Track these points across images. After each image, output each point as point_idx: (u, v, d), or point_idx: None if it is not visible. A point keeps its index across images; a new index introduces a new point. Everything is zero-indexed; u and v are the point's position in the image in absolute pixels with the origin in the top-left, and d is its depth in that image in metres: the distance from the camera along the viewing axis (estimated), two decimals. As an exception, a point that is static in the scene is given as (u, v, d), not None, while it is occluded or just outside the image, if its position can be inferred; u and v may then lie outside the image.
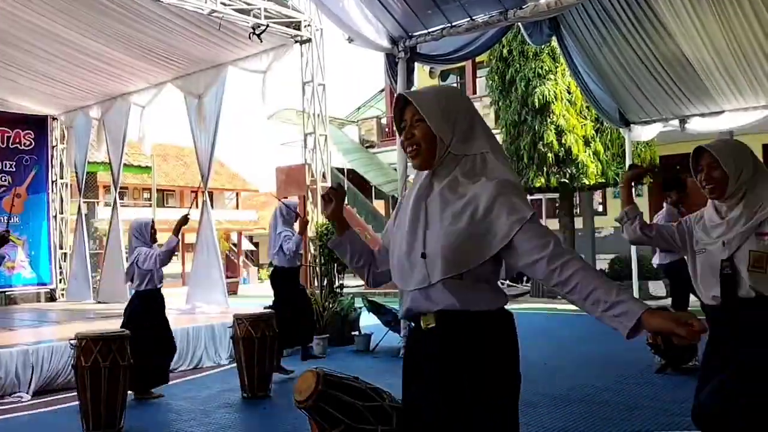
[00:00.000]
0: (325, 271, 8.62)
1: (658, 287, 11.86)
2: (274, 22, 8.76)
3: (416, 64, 7.81)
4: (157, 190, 24.21)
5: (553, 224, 14.96)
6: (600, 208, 18.00)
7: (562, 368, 6.35)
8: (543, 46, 11.91)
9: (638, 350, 6.28)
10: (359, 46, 7.78)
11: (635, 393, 5.26)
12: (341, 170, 19.65)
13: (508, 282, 15.12)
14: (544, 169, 12.68)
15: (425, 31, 7.24)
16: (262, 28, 8.46)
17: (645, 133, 10.73)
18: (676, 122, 10.26)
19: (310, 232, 9.36)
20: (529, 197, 14.67)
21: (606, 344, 6.82)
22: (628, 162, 11.29)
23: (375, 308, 7.87)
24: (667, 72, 9.03)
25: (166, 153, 30.86)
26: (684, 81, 9.16)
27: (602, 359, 6.65)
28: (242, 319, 5.71)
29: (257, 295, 14.99)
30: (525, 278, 15.13)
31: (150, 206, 22.47)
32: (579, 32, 8.65)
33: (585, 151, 12.67)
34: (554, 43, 9.79)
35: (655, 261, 6.33)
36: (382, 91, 23.68)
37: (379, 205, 22.38)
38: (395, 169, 8.80)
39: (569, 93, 12.76)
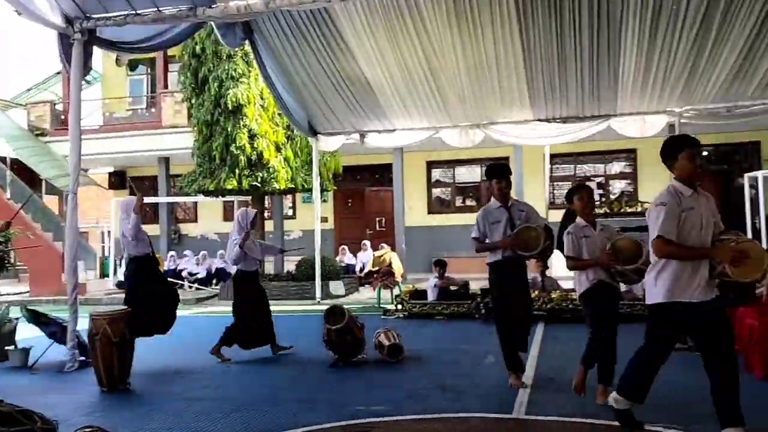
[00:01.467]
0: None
1: (338, 286, 12.77)
2: None
3: (97, 48, 7.13)
4: None
5: (244, 227, 15.04)
6: (290, 212, 18.75)
7: (236, 371, 6.37)
8: (237, 49, 11.94)
9: (315, 347, 6.65)
10: (29, 20, 6.80)
11: (310, 388, 5.52)
12: (3, 159, 16.99)
13: (196, 285, 14.76)
14: (237, 171, 12.71)
15: (106, 15, 6.65)
16: None
17: (330, 143, 11.48)
18: (357, 136, 11.19)
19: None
20: (220, 199, 14.58)
21: (287, 343, 7.06)
22: (315, 170, 11.93)
23: (36, 318, 6.93)
24: (349, 89, 9.81)
25: None
26: (364, 99, 10.05)
27: (281, 358, 6.84)
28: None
29: None
30: (214, 281, 14.95)
31: None
32: (271, 40, 8.87)
33: (276, 157, 13.04)
34: (248, 47, 9.87)
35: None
36: (59, 73, 21.12)
37: (51, 201, 19.87)
38: (69, 162, 7.85)
39: (262, 98, 13.00)
